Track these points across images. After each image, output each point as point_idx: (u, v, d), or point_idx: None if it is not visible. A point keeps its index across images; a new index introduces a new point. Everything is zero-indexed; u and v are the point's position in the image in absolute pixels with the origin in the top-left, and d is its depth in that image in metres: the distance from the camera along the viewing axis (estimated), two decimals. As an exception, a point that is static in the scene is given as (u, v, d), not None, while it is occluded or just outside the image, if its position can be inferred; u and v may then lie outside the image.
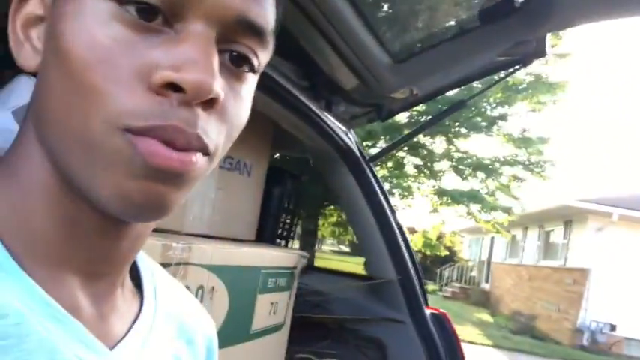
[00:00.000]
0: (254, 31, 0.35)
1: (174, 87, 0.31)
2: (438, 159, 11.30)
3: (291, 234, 1.61)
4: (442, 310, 1.68)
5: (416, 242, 14.47)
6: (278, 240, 1.59)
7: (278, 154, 1.75)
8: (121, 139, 0.31)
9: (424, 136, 11.03)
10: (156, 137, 0.31)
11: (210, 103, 0.33)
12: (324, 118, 1.45)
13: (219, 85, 0.32)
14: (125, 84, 0.31)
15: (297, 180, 1.58)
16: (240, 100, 0.37)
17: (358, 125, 1.81)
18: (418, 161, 11.78)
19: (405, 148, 11.35)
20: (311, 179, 2.46)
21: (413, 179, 12.14)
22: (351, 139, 1.60)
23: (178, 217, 1.14)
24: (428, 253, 14.01)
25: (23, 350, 0.31)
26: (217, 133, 0.35)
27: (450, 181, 11.52)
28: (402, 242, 1.65)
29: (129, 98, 0.31)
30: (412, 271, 1.64)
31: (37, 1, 0.37)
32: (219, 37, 0.34)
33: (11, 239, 0.34)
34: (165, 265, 0.88)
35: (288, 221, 1.58)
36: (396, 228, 1.65)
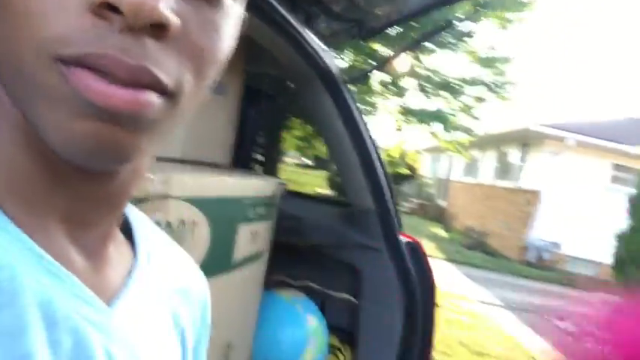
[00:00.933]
0: None
1: (113, 8, 0.26)
2: (403, 76, 11.19)
3: (270, 158, 1.55)
4: (416, 239, 1.69)
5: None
6: (255, 165, 1.53)
7: (253, 72, 1.63)
8: (53, 70, 0.27)
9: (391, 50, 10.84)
10: (89, 68, 0.27)
11: (160, 30, 0.28)
12: (303, 34, 1.33)
13: (167, 7, 0.27)
14: (65, 6, 0.27)
15: (274, 100, 1.48)
16: (214, 28, 0.32)
17: (338, 43, 1.70)
18: (385, 77, 11.65)
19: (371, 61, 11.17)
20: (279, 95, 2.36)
21: (378, 95, 12.07)
22: (330, 58, 1.50)
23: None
24: (390, 171, 14.29)
25: (18, 306, 0.28)
26: (178, 68, 0.30)
27: (414, 100, 11.53)
28: (379, 169, 1.62)
29: (62, 20, 0.27)
30: (389, 198, 1.62)
31: None
32: None
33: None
34: (143, 199, 0.81)
35: (264, 144, 1.51)
36: (374, 154, 1.61)
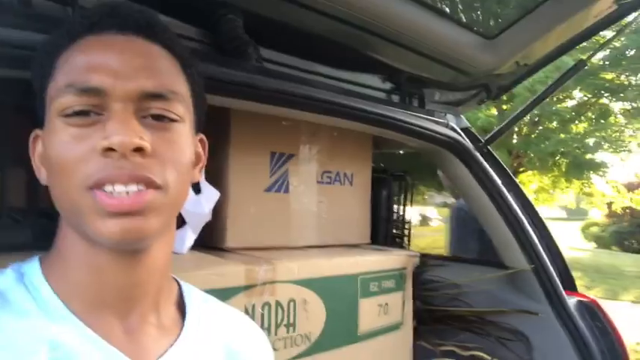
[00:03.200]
0: (158, 97, 0.50)
1: (110, 149, 0.47)
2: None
3: (405, 232, 1.64)
4: (591, 297, 1.51)
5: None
6: (397, 239, 1.63)
7: (380, 154, 1.78)
8: (89, 196, 0.47)
9: (627, 75, 9.46)
10: (106, 185, 0.47)
11: (140, 151, 0.47)
12: (417, 122, 1.41)
13: (140, 139, 0.47)
14: (86, 158, 0.48)
15: (403, 179, 1.59)
16: (173, 143, 0.51)
17: (468, 109, 1.73)
18: (626, 105, 10.14)
19: (606, 94, 9.90)
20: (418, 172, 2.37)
21: (621, 127, 10.50)
22: (454, 128, 1.55)
23: (283, 234, 1.29)
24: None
25: None
26: (162, 170, 0.49)
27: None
28: (531, 229, 1.54)
29: (89, 166, 0.47)
30: (547, 258, 1.51)
31: (41, 142, 0.55)
32: (138, 108, 0.49)
33: (65, 293, 0.51)
34: (251, 286, 1.02)
35: (400, 221, 1.61)
36: (522, 216, 1.55)
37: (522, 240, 1.52)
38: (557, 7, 1.29)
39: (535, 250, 1.50)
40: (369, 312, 1.27)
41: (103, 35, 0.51)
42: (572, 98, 10.51)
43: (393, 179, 1.59)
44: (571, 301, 1.52)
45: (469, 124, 1.71)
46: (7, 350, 0.45)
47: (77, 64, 0.50)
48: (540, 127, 10.60)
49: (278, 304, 1.06)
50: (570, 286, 1.57)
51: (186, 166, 0.53)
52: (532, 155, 10.43)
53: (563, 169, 10.55)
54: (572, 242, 11.73)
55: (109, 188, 0.47)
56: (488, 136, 1.67)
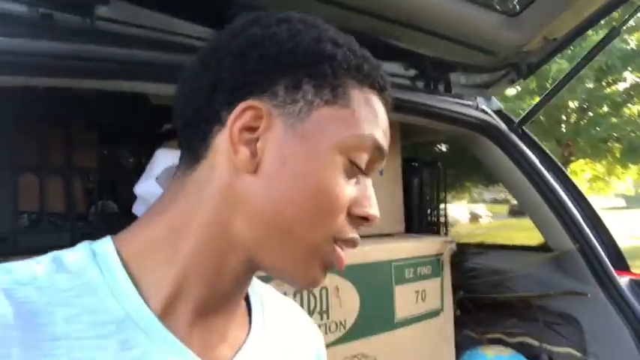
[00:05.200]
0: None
1: (364, 218, 0.48)
2: None
3: (440, 219, 1.61)
4: (644, 275, 1.43)
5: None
6: (433, 227, 1.61)
7: (409, 145, 1.76)
8: (332, 246, 0.47)
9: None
10: (348, 246, 0.48)
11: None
12: (444, 105, 1.41)
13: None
14: (341, 212, 0.47)
15: (435, 166, 1.57)
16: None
17: (499, 90, 1.69)
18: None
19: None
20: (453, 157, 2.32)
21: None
22: (484, 110, 1.52)
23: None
24: None
25: None
26: None
27: None
28: (575, 209, 1.48)
29: (341, 222, 0.47)
30: (593, 237, 1.45)
31: (253, 115, 0.45)
32: None
33: (147, 287, 0.45)
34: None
35: (434, 208, 1.59)
36: (563, 194, 1.49)
37: (565, 220, 1.47)
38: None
39: (580, 229, 1.45)
40: (406, 298, 1.26)
41: (384, 94, 0.50)
42: (622, 80, 10.03)
43: (425, 167, 1.57)
44: (623, 280, 1.45)
45: (501, 106, 1.67)
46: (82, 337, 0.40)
47: (376, 118, 0.48)
48: (590, 114, 10.18)
49: (310, 291, 1.07)
50: (622, 266, 1.50)
51: None
52: (582, 143, 10.01)
53: (618, 155, 10.05)
54: (632, 231, 11.12)
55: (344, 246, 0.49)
56: (522, 115, 1.62)
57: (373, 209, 0.48)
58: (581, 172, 11.91)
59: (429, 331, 1.32)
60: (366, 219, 0.48)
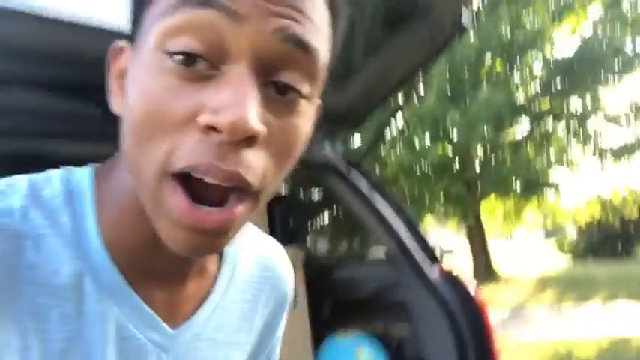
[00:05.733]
0: (297, 44, 0.36)
1: (213, 128, 0.34)
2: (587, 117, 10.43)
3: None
4: (452, 271, 1.89)
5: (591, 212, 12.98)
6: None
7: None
8: (166, 186, 0.35)
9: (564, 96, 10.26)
10: (185, 185, 0.35)
11: (251, 140, 0.34)
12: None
13: (257, 121, 0.34)
14: (175, 128, 0.34)
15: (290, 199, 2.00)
16: (291, 127, 0.38)
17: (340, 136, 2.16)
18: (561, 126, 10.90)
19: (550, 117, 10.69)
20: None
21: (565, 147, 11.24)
22: (327, 151, 1.97)
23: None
24: (615, 218, 12.61)
25: (102, 327, 0.42)
26: (263, 166, 0.36)
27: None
28: (390, 219, 1.92)
29: (178, 140, 0.34)
30: (404, 239, 1.90)
31: (127, 56, 0.41)
32: (264, 70, 0.36)
33: (119, 257, 0.42)
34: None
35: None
36: (389, 213, 1.96)
37: (384, 229, 1.91)
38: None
39: (395, 236, 1.89)
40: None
41: None
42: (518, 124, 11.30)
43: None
44: (434, 271, 1.91)
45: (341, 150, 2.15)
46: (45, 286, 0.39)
47: None
48: (493, 155, 11.31)
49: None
50: (434, 261, 1.96)
51: (293, 163, 0.40)
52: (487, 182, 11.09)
53: (519, 191, 11.16)
54: (546, 259, 12.22)
55: (197, 176, 0.35)
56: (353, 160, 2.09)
57: (225, 114, 0.33)
58: (494, 210, 13.02)
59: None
60: (212, 128, 0.34)
